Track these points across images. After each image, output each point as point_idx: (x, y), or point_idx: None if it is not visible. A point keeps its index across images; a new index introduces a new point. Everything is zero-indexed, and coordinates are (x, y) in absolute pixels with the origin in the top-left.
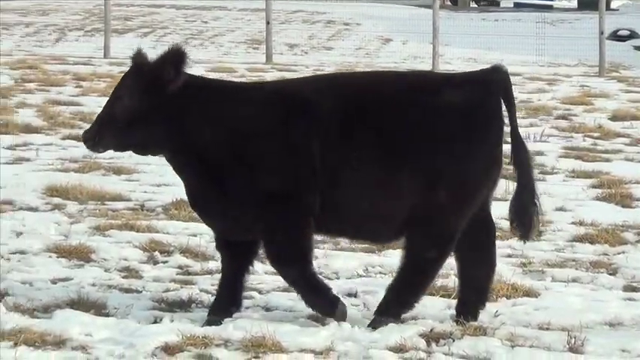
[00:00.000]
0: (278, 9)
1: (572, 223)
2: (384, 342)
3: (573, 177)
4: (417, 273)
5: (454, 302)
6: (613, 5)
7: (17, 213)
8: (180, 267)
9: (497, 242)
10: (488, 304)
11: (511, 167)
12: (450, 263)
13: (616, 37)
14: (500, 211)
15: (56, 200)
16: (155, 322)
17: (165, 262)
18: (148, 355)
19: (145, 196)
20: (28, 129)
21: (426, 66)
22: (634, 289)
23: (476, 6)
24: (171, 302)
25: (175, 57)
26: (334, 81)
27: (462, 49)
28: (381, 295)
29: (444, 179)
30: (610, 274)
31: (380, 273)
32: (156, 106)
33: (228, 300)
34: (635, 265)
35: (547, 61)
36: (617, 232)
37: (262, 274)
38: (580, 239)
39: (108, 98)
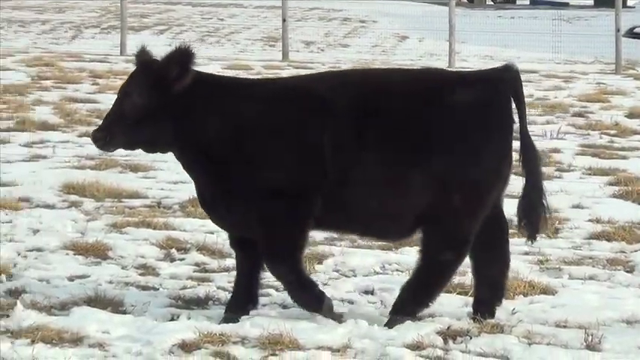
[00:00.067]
0: (294, 6)
1: (589, 220)
2: (401, 339)
3: (590, 174)
4: (433, 274)
5: (471, 300)
6: (629, 2)
7: (34, 210)
8: (197, 264)
9: (514, 240)
10: (505, 302)
11: None
12: (467, 261)
13: (632, 34)
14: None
15: (73, 197)
16: (172, 319)
17: (182, 259)
18: (165, 352)
19: (162, 193)
20: (45, 126)
21: (442, 63)
22: None
23: (492, 3)
24: (189, 299)
25: (182, 56)
26: (346, 78)
27: (478, 46)
28: (397, 292)
29: (456, 180)
30: (627, 272)
31: (397, 270)
32: (165, 103)
33: (244, 297)
34: None
35: (563, 58)
36: (634, 229)
37: None
38: (597, 237)
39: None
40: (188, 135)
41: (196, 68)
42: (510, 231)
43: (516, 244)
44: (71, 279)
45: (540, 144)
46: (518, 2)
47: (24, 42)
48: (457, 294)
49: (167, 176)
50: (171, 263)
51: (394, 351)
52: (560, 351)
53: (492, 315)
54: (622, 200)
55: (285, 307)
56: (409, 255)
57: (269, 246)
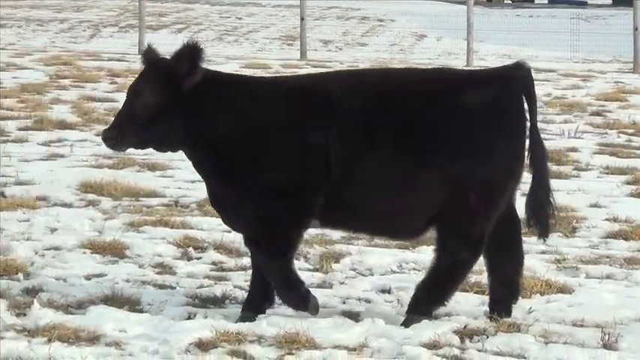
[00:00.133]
0: (312, 5)
1: (607, 219)
2: (417, 338)
3: (607, 173)
4: (449, 273)
5: (488, 299)
6: None
7: (52, 209)
8: (214, 263)
9: (531, 239)
10: (522, 301)
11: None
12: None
13: None
14: None
15: (90, 196)
16: (189, 318)
17: (200, 258)
18: (181, 351)
19: (180, 192)
20: (63, 125)
21: (460, 62)
22: None
23: (510, 2)
24: (205, 298)
25: (191, 53)
26: (357, 77)
27: (497, 45)
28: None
29: (470, 179)
30: None
31: (414, 269)
32: (176, 101)
33: (260, 296)
34: None
35: (581, 57)
36: None
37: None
38: (614, 236)
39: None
40: (198, 133)
41: (215, 67)
42: (528, 230)
43: (533, 243)
44: (88, 278)
45: (558, 143)
46: (536, 1)
47: (42, 41)
48: (474, 293)
49: (184, 175)
50: (189, 262)
51: (411, 350)
52: (577, 350)
53: (509, 314)
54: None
55: None
56: (426, 254)
57: (264, 243)
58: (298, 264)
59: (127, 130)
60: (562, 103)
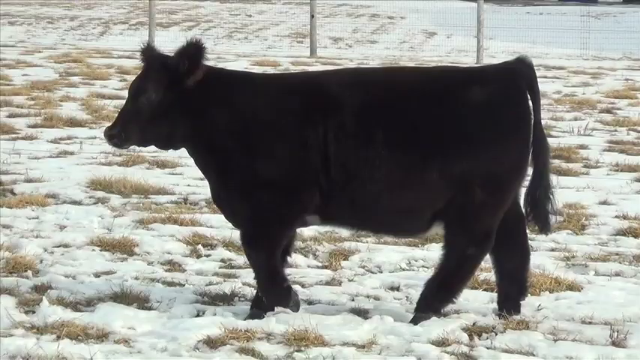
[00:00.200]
0: (322, 2)
1: (616, 216)
2: (426, 336)
3: (617, 171)
4: (457, 270)
5: (496, 296)
6: None
7: (61, 206)
8: (223, 260)
9: (541, 236)
10: (530, 298)
11: (555, 160)
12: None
13: None
14: None
15: (100, 194)
16: (198, 315)
17: (209, 255)
18: (190, 348)
19: (189, 189)
20: (72, 122)
21: (470, 60)
22: None
23: None
24: (214, 295)
25: (193, 51)
26: (358, 75)
27: (507, 42)
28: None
29: (476, 175)
30: None
31: (423, 267)
32: (178, 99)
33: None
34: None
35: (591, 54)
36: None
37: (305, 268)
38: (623, 233)
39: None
40: (200, 130)
41: (225, 64)
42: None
43: (542, 240)
44: (97, 275)
45: (568, 140)
46: None
47: (52, 38)
48: (483, 290)
49: (194, 172)
50: (198, 259)
51: (419, 347)
52: (586, 347)
53: (518, 311)
54: None
55: (310, 303)
56: (435, 251)
57: (252, 236)
58: (307, 261)
59: (131, 128)
60: (572, 101)
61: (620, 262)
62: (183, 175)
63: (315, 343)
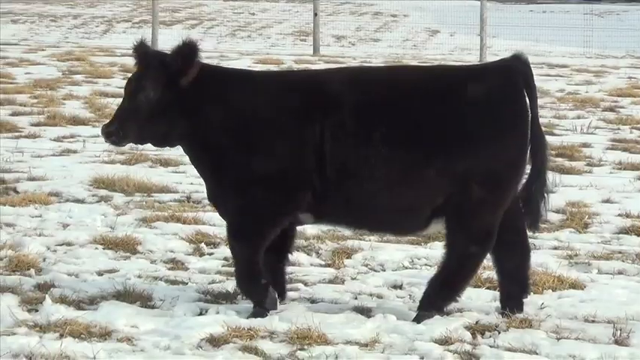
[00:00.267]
0: (325, 0)
1: (619, 215)
2: (429, 334)
3: (620, 169)
4: (459, 269)
5: (499, 294)
6: None
7: (64, 205)
8: (226, 259)
9: (544, 235)
10: (533, 297)
11: (558, 159)
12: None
13: None
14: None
15: (103, 192)
16: (201, 313)
17: (211, 253)
18: (193, 346)
19: (192, 187)
20: (75, 121)
21: (473, 58)
22: None
23: None
24: (217, 294)
25: (187, 51)
26: (356, 74)
27: (510, 40)
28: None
29: (476, 173)
30: None
31: (426, 265)
32: (176, 97)
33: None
34: None
35: (594, 52)
36: None
37: (308, 266)
38: (626, 231)
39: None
40: (196, 128)
41: (228, 63)
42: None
43: (545, 238)
44: (100, 273)
45: (571, 138)
46: None
47: (55, 36)
48: (486, 288)
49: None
50: (201, 258)
51: (422, 346)
52: (589, 346)
53: (521, 309)
54: None
55: (313, 301)
56: (438, 249)
57: (240, 229)
58: (310, 259)
59: (129, 126)
60: (575, 99)
61: (623, 261)
62: (186, 173)
63: (318, 342)
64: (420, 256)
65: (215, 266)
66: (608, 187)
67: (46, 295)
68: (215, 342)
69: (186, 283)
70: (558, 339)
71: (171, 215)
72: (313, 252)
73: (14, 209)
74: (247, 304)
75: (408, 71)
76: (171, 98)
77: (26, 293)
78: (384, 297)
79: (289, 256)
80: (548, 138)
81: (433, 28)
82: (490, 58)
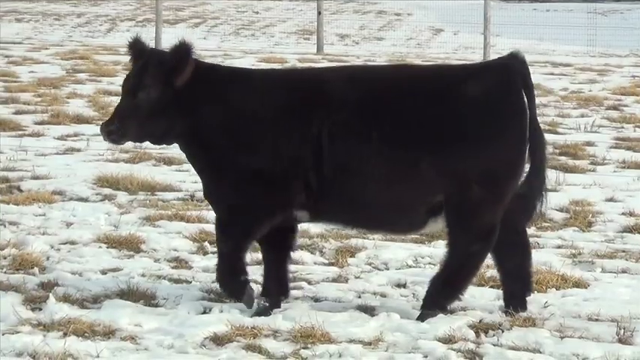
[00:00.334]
0: None
1: (623, 213)
2: (433, 333)
3: (624, 168)
4: (462, 267)
5: (502, 293)
6: None
7: (67, 203)
8: None
9: (548, 233)
10: (537, 295)
11: (561, 157)
12: None
13: None
14: (550, 202)
15: (106, 191)
16: (204, 312)
17: (215, 252)
18: (197, 345)
19: (196, 186)
20: (79, 119)
21: (477, 56)
22: None
23: None
24: (221, 293)
25: (181, 51)
26: (352, 72)
27: (514, 39)
28: None
29: (471, 171)
30: None
31: (429, 263)
32: (175, 95)
33: (275, 290)
34: None
35: (598, 51)
36: None
37: (312, 265)
38: (630, 230)
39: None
40: (192, 125)
41: (231, 61)
42: (544, 224)
43: (549, 237)
44: (104, 272)
45: (574, 137)
46: None
47: (59, 35)
48: (489, 287)
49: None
50: (204, 256)
51: (426, 344)
52: (592, 344)
53: (524, 308)
54: None
55: (317, 300)
56: (442, 248)
57: (228, 223)
58: (314, 258)
59: (129, 124)
60: (578, 97)
61: (626, 259)
62: (189, 171)
63: (321, 340)
64: (424, 255)
65: None
66: (611, 186)
67: (50, 294)
68: (219, 341)
69: (190, 282)
70: (562, 338)
71: (174, 214)
72: (317, 250)
73: (18, 208)
74: None
75: (405, 70)
76: (172, 96)
77: (30, 292)
78: (387, 296)
79: (292, 254)
80: (552, 137)
81: (437, 26)
82: (494, 57)
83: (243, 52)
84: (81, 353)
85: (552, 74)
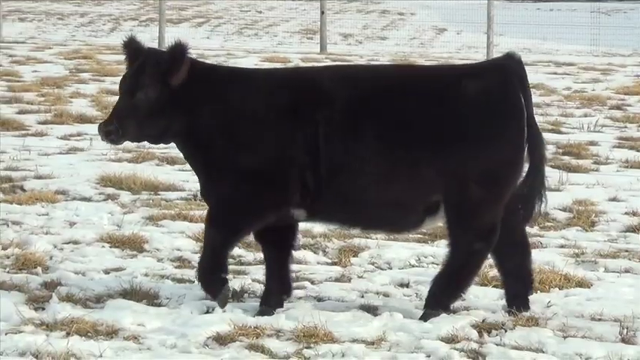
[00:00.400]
0: None
1: (626, 213)
2: (435, 332)
3: (627, 167)
4: (463, 266)
5: (504, 293)
6: None
7: (71, 203)
8: (232, 257)
9: (551, 233)
10: (540, 295)
11: (564, 157)
12: None
13: None
14: (553, 202)
15: (109, 190)
16: (207, 312)
17: None
18: (199, 345)
19: (198, 186)
20: (82, 119)
21: (480, 56)
22: None
23: None
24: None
25: (178, 49)
26: (350, 72)
27: (517, 39)
28: None
29: (470, 170)
30: None
31: (432, 263)
32: (171, 95)
33: (277, 289)
34: None
35: (601, 50)
36: None
37: (315, 264)
38: (633, 230)
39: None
40: (189, 124)
41: (235, 61)
42: (547, 224)
43: (552, 236)
44: (107, 272)
45: (577, 136)
46: None
47: (62, 35)
48: (492, 287)
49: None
50: None
51: (429, 344)
52: (595, 344)
53: (527, 307)
54: None
55: (320, 299)
56: (444, 248)
57: (219, 217)
58: (317, 258)
59: (128, 124)
60: (582, 97)
61: (629, 259)
62: (192, 171)
63: (324, 340)
64: (427, 254)
65: None
66: (614, 186)
67: (53, 294)
68: (221, 340)
69: (193, 282)
70: (565, 337)
71: (177, 213)
72: (320, 250)
73: (21, 207)
74: (254, 303)
75: (403, 70)
76: (168, 95)
77: (33, 291)
78: (390, 295)
79: (294, 252)
80: (555, 136)
81: (440, 26)
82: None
83: (247, 52)
84: (84, 353)
85: (555, 74)
